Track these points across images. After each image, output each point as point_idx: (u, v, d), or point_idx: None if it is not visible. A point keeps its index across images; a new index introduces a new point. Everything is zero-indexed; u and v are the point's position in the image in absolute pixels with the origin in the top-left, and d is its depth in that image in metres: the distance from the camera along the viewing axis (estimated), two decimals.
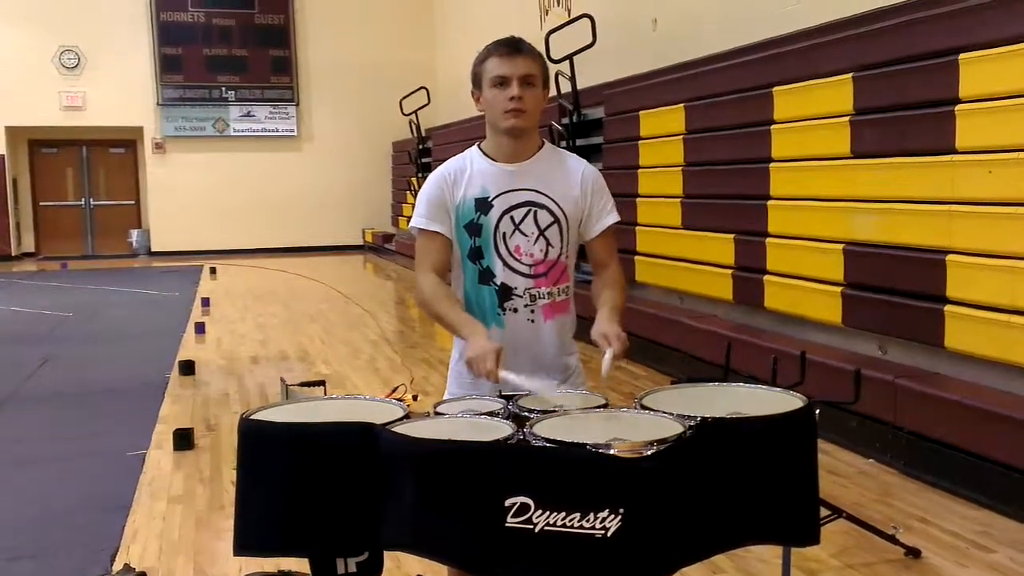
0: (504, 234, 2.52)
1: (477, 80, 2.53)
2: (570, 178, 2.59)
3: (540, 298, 2.55)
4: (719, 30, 8.22)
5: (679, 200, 7.67)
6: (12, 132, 18.96)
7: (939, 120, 4.88)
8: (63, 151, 20.10)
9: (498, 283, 2.54)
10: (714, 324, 6.84)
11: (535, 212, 2.53)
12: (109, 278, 15.59)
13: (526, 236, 2.52)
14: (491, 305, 2.54)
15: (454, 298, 2.55)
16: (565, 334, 2.63)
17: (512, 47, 2.49)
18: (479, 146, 2.60)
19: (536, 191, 2.53)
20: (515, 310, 2.54)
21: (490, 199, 2.52)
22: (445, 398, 2.49)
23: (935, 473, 4.57)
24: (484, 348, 2.33)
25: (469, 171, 2.55)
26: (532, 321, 2.55)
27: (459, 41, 18.01)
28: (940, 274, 4.82)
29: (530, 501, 1.78)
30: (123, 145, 20.26)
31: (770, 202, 6.41)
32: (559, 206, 2.54)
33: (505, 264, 2.53)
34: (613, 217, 2.64)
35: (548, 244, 2.54)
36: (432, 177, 2.60)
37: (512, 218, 2.52)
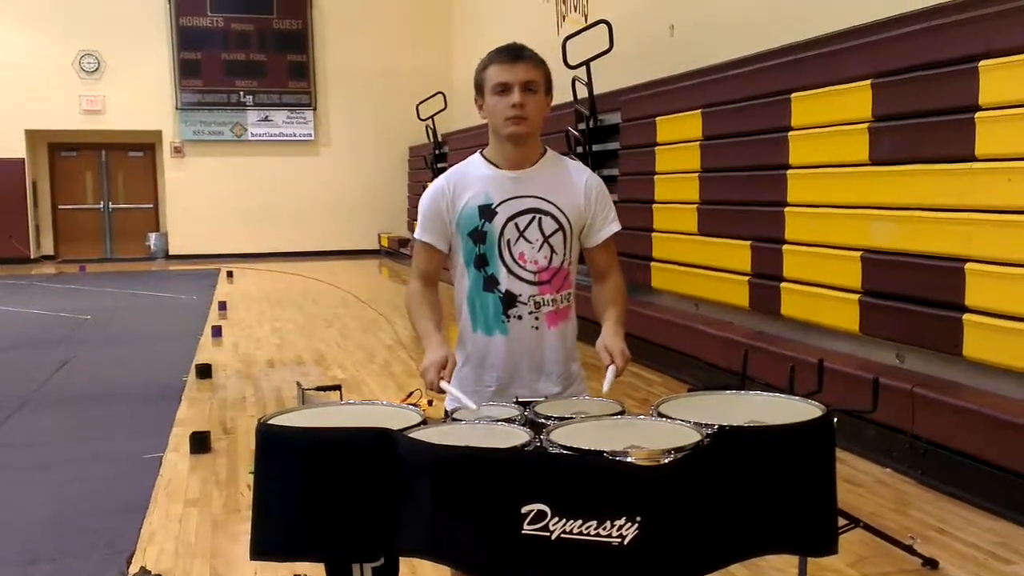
0: (509, 241, 2.52)
1: (479, 87, 2.54)
2: (574, 186, 2.59)
3: (544, 305, 2.55)
4: (736, 36, 8.20)
5: (695, 206, 7.65)
6: (32, 136, 19.11)
7: (958, 127, 4.85)
8: (82, 154, 20.23)
9: (502, 290, 2.54)
10: (730, 331, 6.81)
11: (539, 219, 2.53)
12: (127, 281, 15.68)
13: (531, 243, 2.53)
14: (495, 312, 2.55)
15: (428, 306, 2.59)
16: (568, 340, 2.64)
17: (513, 54, 2.48)
18: (482, 152, 2.61)
19: (540, 198, 2.53)
20: (519, 317, 2.55)
21: (494, 206, 2.53)
22: (445, 404, 2.52)
23: (953, 483, 4.54)
24: (429, 360, 2.40)
25: (471, 178, 2.56)
26: (536, 328, 2.56)
27: (476, 46, 17.97)
28: (959, 282, 4.79)
29: (547, 508, 1.78)
30: (142, 149, 20.37)
31: (787, 209, 6.39)
32: (563, 213, 2.54)
33: (509, 271, 2.53)
34: (615, 226, 2.65)
35: (552, 251, 2.54)
36: (429, 190, 2.62)
37: (516, 225, 2.52)
